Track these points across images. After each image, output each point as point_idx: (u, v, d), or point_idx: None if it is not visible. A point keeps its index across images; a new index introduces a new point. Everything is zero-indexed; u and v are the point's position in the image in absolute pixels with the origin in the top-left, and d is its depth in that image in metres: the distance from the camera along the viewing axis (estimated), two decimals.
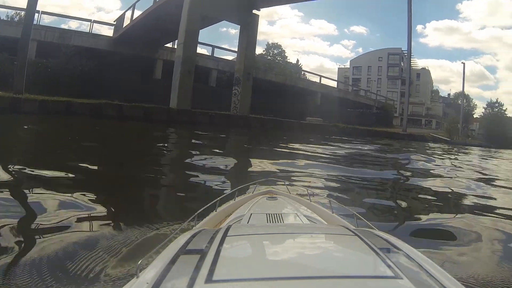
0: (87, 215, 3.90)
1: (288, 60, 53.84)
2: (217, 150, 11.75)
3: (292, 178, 6.80)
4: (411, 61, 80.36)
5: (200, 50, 38.79)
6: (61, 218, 3.70)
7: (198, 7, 25.81)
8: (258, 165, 8.74)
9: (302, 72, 56.88)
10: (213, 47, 43.07)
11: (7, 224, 3.26)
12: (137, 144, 11.57)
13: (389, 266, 0.96)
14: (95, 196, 4.69)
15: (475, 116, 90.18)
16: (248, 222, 2.03)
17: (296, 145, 15.48)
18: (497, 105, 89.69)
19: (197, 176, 6.63)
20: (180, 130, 18.75)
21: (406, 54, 74.23)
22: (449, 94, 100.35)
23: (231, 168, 8.32)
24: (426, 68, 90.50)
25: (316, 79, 53.61)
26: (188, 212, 3.89)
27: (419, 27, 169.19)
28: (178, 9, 26.10)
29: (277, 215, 2.15)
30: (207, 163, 8.31)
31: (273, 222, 2.04)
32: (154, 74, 36.83)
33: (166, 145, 12.50)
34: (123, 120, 20.20)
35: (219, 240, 1.16)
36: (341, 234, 1.36)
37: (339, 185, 6.97)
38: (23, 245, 2.96)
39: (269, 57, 49.94)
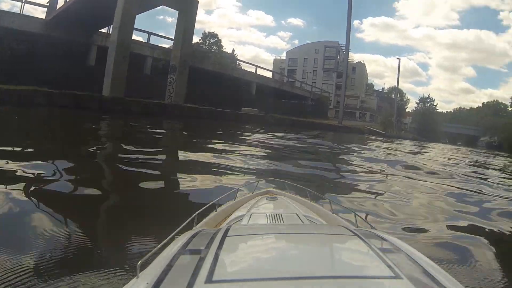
0: (84, 215, 3.87)
1: (224, 50, 53.70)
2: (154, 141, 11.99)
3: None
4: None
5: (136, 37, 38.04)
6: (56, 219, 3.59)
7: None
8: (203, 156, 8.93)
9: (238, 62, 56.38)
10: (149, 33, 42.16)
11: None
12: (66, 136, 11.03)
13: (389, 266, 0.97)
14: (92, 197, 4.65)
15: (407, 110, 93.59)
16: (248, 222, 2.04)
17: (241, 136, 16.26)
18: (428, 100, 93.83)
19: (133, 171, 6.35)
20: (111, 120, 18.46)
21: (342, 48, 76.12)
22: (383, 88, 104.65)
23: (169, 161, 8.41)
24: (362, 62, 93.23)
25: (252, 69, 53.12)
26: (185, 213, 4.10)
27: (355, 22, 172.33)
28: None
29: (277, 215, 2.16)
30: (140, 156, 7.96)
31: (273, 222, 2.05)
32: (88, 60, 35.69)
33: (96, 137, 11.91)
34: (53, 107, 19.45)
35: (219, 240, 1.17)
36: (341, 234, 1.37)
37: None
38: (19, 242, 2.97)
39: (205, 46, 49.64)
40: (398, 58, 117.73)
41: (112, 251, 2.99)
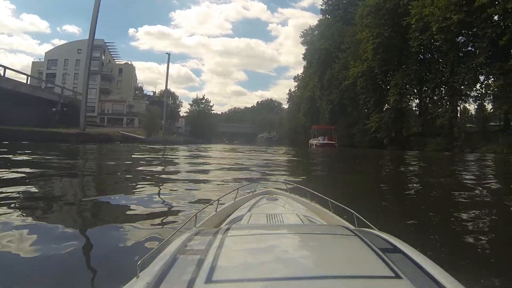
0: (84, 218, 3.93)
1: None
2: None
3: None
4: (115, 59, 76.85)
5: None
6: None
7: None
8: None
9: None
10: None
11: None
12: None
13: (389, 266, 0.96)
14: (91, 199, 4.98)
15: (181, 114, 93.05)
16: (248, 222, 2.00)
17: None
18: (204, 101, 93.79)
19: None
20: None
21: (109, 47, 70.74)
22: (154, 92, 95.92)
23: None
24: (130, 62, 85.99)
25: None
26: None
27: (131, 31, 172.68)
28: None
29: (277, 215, 2.13)
30: None
31: (273, 222, 2.02)
32: None
33: None
34: None
35: (219, 240, 1.15)
36: (341, 234, 1.34)
37: None
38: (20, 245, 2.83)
39: None
40: (167, 53, 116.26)
41: (112, 251, 2.89)
